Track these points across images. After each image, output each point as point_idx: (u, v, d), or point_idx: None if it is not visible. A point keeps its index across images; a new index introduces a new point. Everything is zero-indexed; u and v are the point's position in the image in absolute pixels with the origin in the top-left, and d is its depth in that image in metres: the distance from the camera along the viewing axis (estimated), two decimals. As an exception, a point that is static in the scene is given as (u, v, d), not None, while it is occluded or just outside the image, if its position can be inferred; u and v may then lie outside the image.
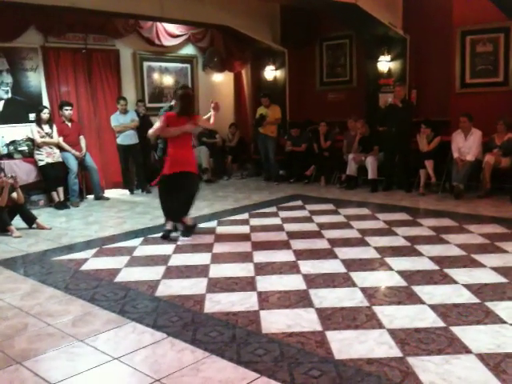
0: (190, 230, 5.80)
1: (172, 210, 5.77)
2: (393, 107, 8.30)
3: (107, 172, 9.13)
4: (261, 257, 4.99)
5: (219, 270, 4.61)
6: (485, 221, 6.17)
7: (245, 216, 6.80)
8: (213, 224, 6.40)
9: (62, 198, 7.79)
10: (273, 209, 7.24)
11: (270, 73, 11.07)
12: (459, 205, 7.13)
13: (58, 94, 8.49)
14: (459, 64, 8.75)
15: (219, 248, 5.35)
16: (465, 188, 7.59)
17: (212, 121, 5.98)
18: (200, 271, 4.60)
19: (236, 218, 6.70)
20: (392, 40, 9.33)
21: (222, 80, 11.31)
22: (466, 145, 7.73)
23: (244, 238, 5.73)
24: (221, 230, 6.14)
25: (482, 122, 7.81)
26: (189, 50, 10.61)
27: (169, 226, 5.76)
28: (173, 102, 5.99)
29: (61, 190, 7.82)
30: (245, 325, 3.45)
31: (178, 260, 4.97)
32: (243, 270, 4.61)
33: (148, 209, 7.51)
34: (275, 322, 3.49)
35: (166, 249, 5.35)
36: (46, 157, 7.72)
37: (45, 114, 7.80)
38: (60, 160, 7.89)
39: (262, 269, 4.63)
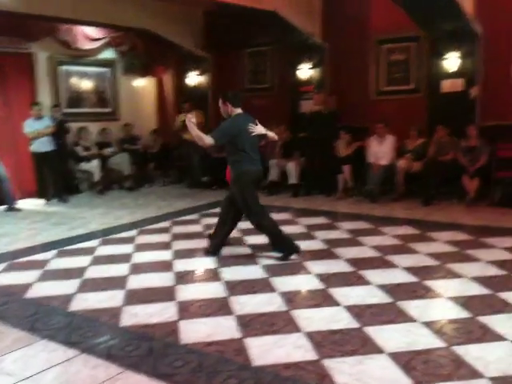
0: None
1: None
2: (318, 114, 8.51)
3: (21, 181, 8.69)
4: (182, 265, 4.93)
5: (138, 281, 4.50)
6: (398, 223, 6.45)
7: (166, 224, 6.70)
8: (133, 233, 6.24)
9: (-30, 210, 7.32)
10: (195, 216, 7.19)
11: (194, 78, 11.01)
12: (375, 208, 7.41)
13: (-34, 100, 8.00)
14: (375, 72, 9.14)
15: (139, 258, 5.22)
16: (380, 191, 7.90)
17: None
18: (117, 283, 4.46)
19: (157, 227, 6.58)
20: (312, 48, 9.55)
21: (143, 85, 11.12)
22: (381, 150, 8.06)
23: (165, 246, 5.64)
24: (141, 239, 6.00)
25: (396, 127, 8.18)
26: (109, 54, 10.34)
27: None
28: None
29: (-31, 201, 7.35)
30: (163, 336, 3.39)
31: (95, 272, 4.80)
32: (163, 279, 4.54)
33: (64, 219, 7.18)
34: (194, 331, 3.45)
35: (83, 261, 5.14)
36: (-48, 166, 7.23)
37: (-50, 121, 7.32)
38: (-32, 169, 7.41)
39: (183, 278, 4.58)
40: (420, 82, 8.78)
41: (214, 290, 4.23)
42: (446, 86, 8.27)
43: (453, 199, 7.61)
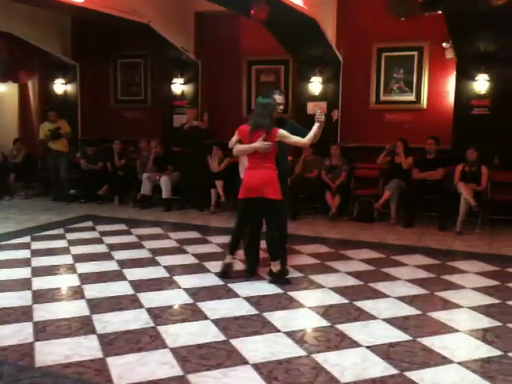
0: (277, 278, 4.75)
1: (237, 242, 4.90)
2: (195, 129, 8.55)
3: None
4: (41, 283, 4.61)
5: (-11, 302, 4.13)
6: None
7: (27, 239, 6.23)
8: (-13, 250, 5.73)
9: None
10: (60, 231, 6.79)
11: (60, 86, 10.48)
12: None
13: None
14: (246, 91, 9.44)
15: (-8, 276, 4.80)
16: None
17: (310, 135, 4.60)
18: (-36, 304, 4.05)
19: (15, 242, 6.09)
20: (185, 63, 9.59)
21: (4, 91, 10.33)
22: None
23: (24, 263, 5.24)
24: (-4, 255, 5.52)
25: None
26: (-37, 56, 9.46)
27: (228, 260, 4.86)
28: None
29: None
30: (16, 359, 3.14)
31: None
32: (20, 299, 4.21)
33: None
34: (52, 353, 3.24)
35: None
36: None
37: None
38: None
39: (42, 296, 4.28)
40: (288, 104, 9.21)
41: (76, 309, 4.02)
42: (311, 108, 8.78)
43: (317, 214, 8.07)
